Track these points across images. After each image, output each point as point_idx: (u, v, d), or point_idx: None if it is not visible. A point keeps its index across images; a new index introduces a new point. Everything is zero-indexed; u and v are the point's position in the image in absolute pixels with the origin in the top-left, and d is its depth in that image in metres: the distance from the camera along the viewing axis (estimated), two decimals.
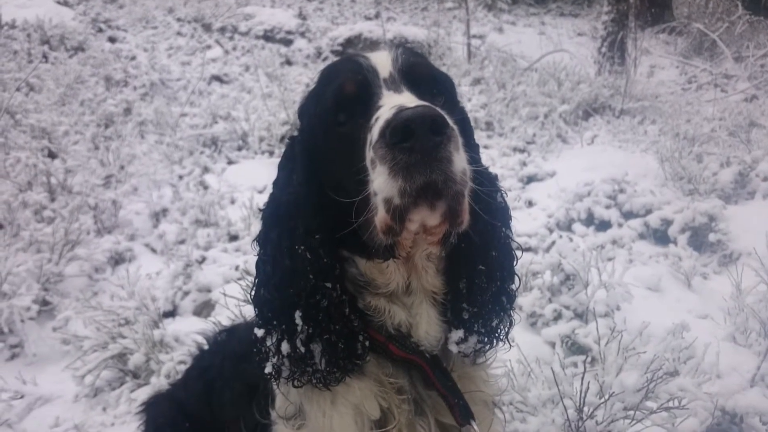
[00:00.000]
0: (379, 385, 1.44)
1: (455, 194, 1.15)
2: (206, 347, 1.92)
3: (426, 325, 1.43)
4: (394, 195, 1.13)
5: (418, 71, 1.39)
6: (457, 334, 1.45)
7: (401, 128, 1.09)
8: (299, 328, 1.35)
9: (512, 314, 1.54)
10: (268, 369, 1.42)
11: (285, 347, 1.37)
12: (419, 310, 1.43)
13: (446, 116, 1.15)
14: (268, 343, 1.40)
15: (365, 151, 1.21)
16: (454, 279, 1.44)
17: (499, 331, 1.52)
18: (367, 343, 1.39)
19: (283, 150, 1.54)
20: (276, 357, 1.39)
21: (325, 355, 1.35)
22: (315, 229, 1.35)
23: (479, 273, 1.41)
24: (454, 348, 1.46)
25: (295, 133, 1.53)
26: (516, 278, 1.52)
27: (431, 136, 1.10)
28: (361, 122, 1.27)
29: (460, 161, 1.15)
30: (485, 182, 1.33)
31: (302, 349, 1.35)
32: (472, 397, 1.52)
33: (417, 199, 1.13)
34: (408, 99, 1.25)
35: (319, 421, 1.45)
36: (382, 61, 1.37)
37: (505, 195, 1.49)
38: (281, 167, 1.49)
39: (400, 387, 1.46)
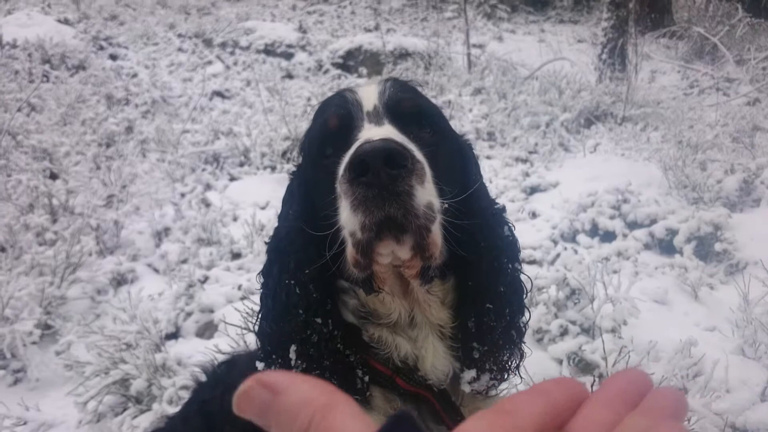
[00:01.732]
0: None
1: (418, 228, 1.14)
2: (205, 380, 1.89)
3: (432, 358, 1.40)
4: (356, 229, 1.14)
5: (403, 104, 1.39)
6: (470, 374, 1.42)
7: (357, 163, 1.10)
8: (293, 363, 1.34)
9: (522, 348, 1.52)
10: None
11: None
12: (425, 344, 1.40)
13: (411, 150, 1.14)
14: None
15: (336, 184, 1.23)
16: (463, 316, 1.41)
17: (509, 365, 1.49)
18: (366, 378, 1.37)
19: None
20: None
21: None
22: (305, 264, 1.34)
23: (487, 311, 1.39)
24: (467, 388, 1.43)
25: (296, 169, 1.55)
26: (526, 311, 1.49)
27: (387, 169, 1.09)
28: (341, 155, 1.28)
29: (423, 195, 1.14)
30: (488, 214, 1.31)
31: None
32: None
33: (380, 233, 1.13)
34: (383, 132, 1.24)
35: None
36: (368, 95, 1.38)
37: (513, 228, 1.47)
38: (284, 201, 1.52)
39: None
